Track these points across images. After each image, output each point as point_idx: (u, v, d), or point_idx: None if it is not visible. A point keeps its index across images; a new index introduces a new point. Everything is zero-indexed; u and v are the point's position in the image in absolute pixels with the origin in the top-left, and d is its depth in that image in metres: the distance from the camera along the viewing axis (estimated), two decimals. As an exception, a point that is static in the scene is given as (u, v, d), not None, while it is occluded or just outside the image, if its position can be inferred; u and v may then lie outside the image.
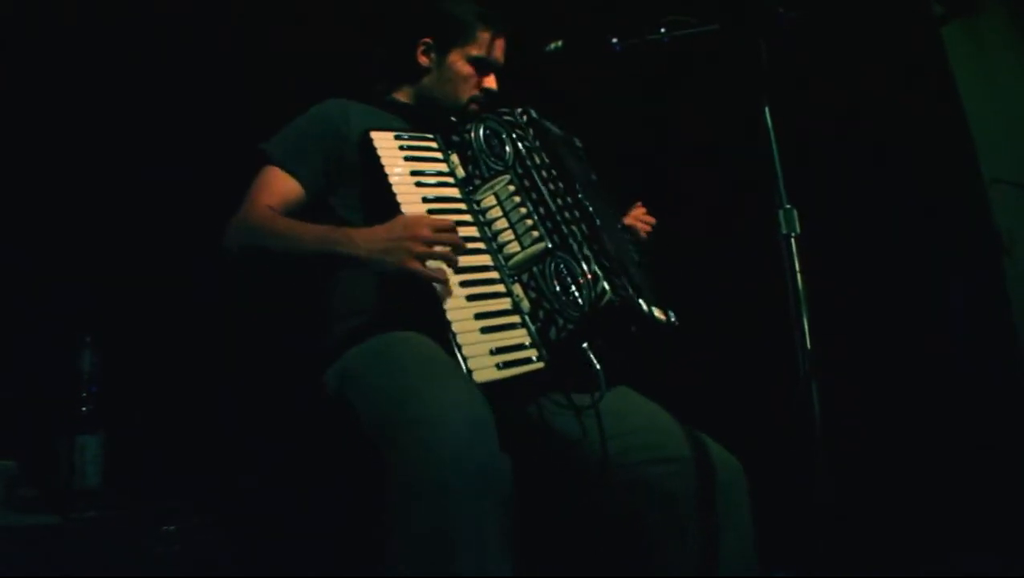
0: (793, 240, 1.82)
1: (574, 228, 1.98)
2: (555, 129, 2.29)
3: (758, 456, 2.10)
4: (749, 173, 2.09)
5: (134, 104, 2.84)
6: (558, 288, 1.93)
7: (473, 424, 1.62)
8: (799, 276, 1.81)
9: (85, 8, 2.82)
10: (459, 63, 2.26)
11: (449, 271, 1.90)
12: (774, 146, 1.85)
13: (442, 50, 2.27)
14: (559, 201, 2.02)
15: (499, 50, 2.31)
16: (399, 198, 1.99)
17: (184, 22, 2.91)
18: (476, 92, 2.28)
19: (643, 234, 2.43)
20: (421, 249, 1.86)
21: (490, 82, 2.29)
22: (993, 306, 3.61)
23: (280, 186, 2.09)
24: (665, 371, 2.22)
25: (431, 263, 1.87)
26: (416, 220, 1.90)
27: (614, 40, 2.15)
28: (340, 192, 2.12)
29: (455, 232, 1.91)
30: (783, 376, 1.84)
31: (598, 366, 1.87)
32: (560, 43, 2.24)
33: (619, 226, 2.34)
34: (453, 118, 2.25)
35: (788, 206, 1.83)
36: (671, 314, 2.09)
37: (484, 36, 2.27)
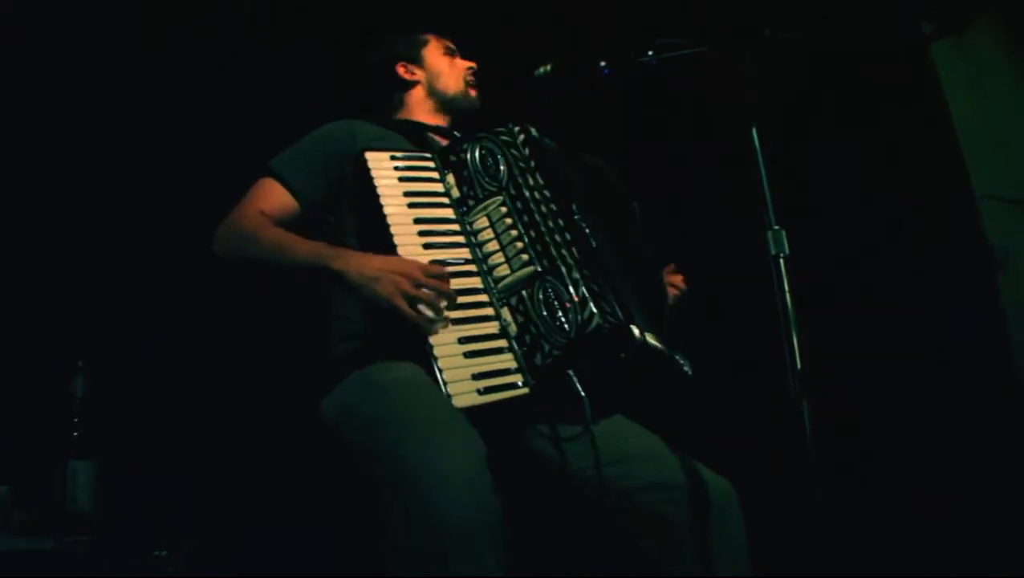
0: (782, 260, 1.83)
1: (564, 252, 1.98)
2: (563, 150, 2.28)
3: (751, 474, 2.11)
4: (738, 193, 2.11)
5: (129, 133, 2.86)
6: (546, 313, 1.93)
7: (469, 478, 1.66)
8: (788, 296, 1.82)
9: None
10: (436, 58, 2.48)
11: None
12: (762, 167, 1.87)
13: (417, 59, 2.48)
14: (551, 223, 2.02)
15: (447, 41, 2.54)
16: (389, 219, 2.00)
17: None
18: (464, 73, 2.49)
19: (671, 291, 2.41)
20: (409, 289, 1.86)
21: (468, 62, 2.51)
22: (988, 321, 3.62)
23: (274, 196, 2.12)
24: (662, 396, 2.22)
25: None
26: (411, 262, 1.92)
27: (603, 64, 2.18)
28: (339, 211, 2.14)
29: (447, 283, 1.91)
30: (775, 395, 1.86)
31: (583, 393, 1.88)
32: (549, 67, 2.26)
33: (637, 247, 2.30)
34: (456, 133, 2.34)
35: (776, 227, 1.84)
36: (679, 357, 2.10)
37: (432, 37, 2.53)
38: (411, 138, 2.28)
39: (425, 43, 2.50)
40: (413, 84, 2.45)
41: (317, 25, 3.18)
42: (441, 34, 2.54)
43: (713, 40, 2.03)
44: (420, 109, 2.44)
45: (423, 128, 2.37)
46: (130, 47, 2.92)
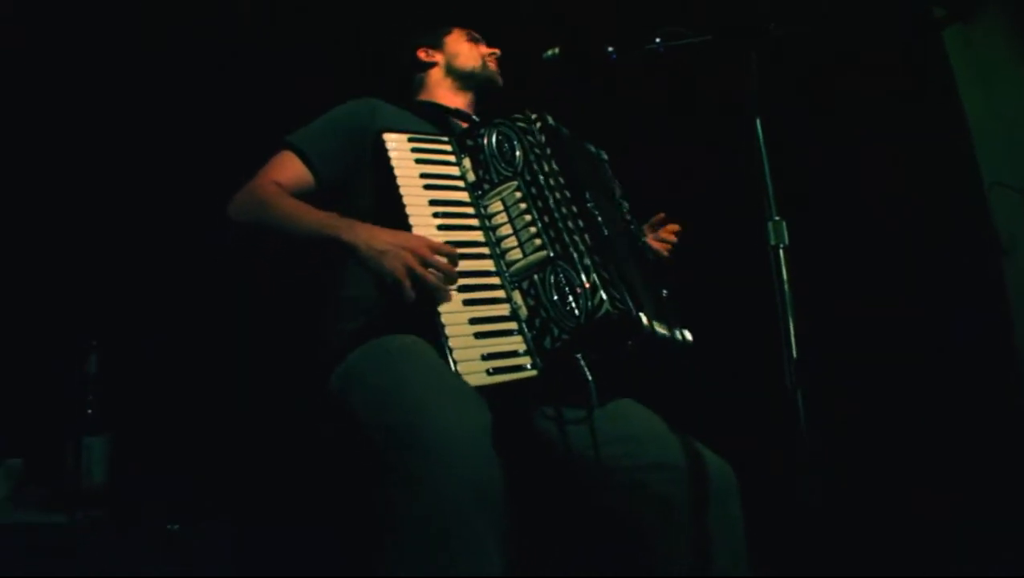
0: (782, 251, 1.84)
1: (576, 238, 2.00)
2: (576, 139, 2.32)
3: (748, 461, 2.13)
4: (741, 183, 2.12)
5: (136, 113, 2.87)
6: (556, 297, 1.95)
7: (471, 440, 1.67)
8: (787, 286, 1.83)
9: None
10: (456, 43, 2.53)
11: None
12: (764, 158, 1.88)
13: (438, 44, 2.53)
14: (564, 210, 2.03)
15: (474, 33, 2.56)
16: (405, 200, 2.02)
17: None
18: (485, 54, 2.52)
19: (666, 249, 2.45)
20: (415, 265, 1.87)
21: (491, 48, 2.54)
22: (993, 309, 3.64)
23: (291, 169, 2.13)
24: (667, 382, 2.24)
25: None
26: (420, 238, 1.93)
27: (610, 49, 2.20)
28: (355, 189, 2.14)
29: (454, 263, 1.93)
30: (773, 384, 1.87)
31: (590, 377, 1.90)
32: (557, 50, 2.29)
33: (636, 240, 2.35)
34: (475, 118, 2.40)
35: (777, 218, 1.85)
36: (681, 332, 2.12)
37: (457, 28, 2.57)
38: (430, 120, 2.31)
39: (448, 32, 2.55)
40: (432, 65, 2.50)
41: (323, 21, 3.19)
42: (466, 26, 2.58)
43: (718, 30, 2.05)
44: (440, 88, 2.48)
45: (442, 110, 2.40)
46: (142, 41, 2.94)
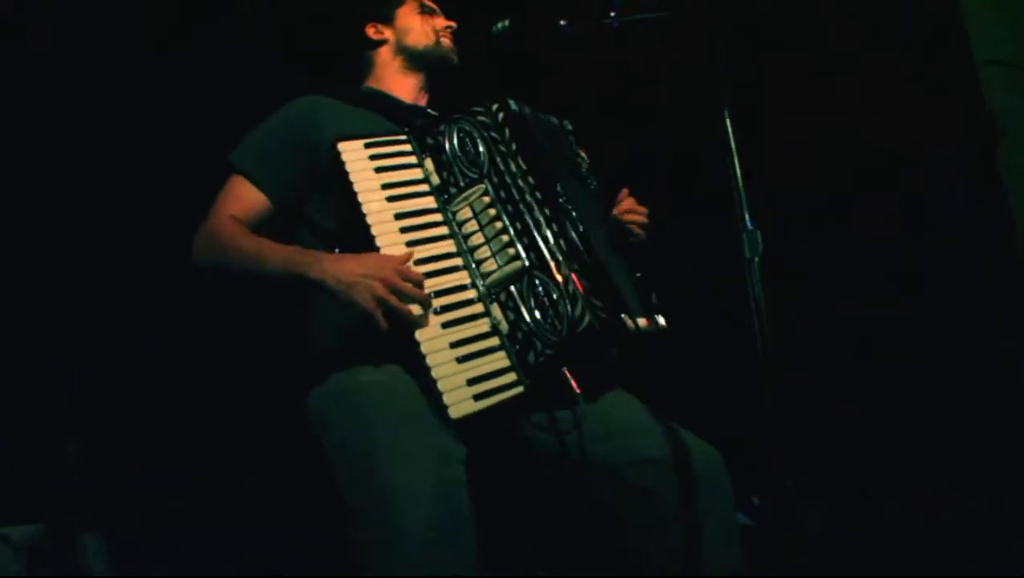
0: (756, 262, 1.76)
1: (552, 245, 1.92)
2: (538, 115, 2.18)
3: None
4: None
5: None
6: (536, 310, 1.89)
7: (433, 501, 1.72)
8: (762, 299, 1.75)
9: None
10: (408, 17, 2.34)
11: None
12: (736, 165, 1.77)
13: (387, 19, 2.34)
14: (536, 215, 1.95)
15: (429, 1, 2.39)
16: (369, 219, 1.93)
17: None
18: (438, 28, 2.34)
19: (636, 228, 2.28)
20: (385, 295, 1.81)
21: (446, 21, 2.37)
22: (988, 193, 3.57)
23: (246, 198, 2.05)
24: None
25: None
26: (387, 262, 1.85)
27: (563, 22, 2.08)
28: (315, 198, 2.06)
29: (422, 286, 1.86)
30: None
31: (577, 391, 1.88)
32: (507, 22, 2.18)
33: (606, 222, 2.24)
34: (430, 111, 2.27)
35: (751, 228, 1.76)
36: (659, 319, 2.07)
37: None
38: (381, 112, 2.18)
39: (400, 3, 2.36)
40: (381, 43, 2.33)
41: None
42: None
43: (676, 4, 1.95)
44: (388, 70, 2.32)
45: (393, 103, 2.26)
46: (136, 46, 2.87)
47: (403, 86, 2.31)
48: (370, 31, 2.33)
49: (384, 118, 2.16)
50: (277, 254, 1.92)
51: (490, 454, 1.93)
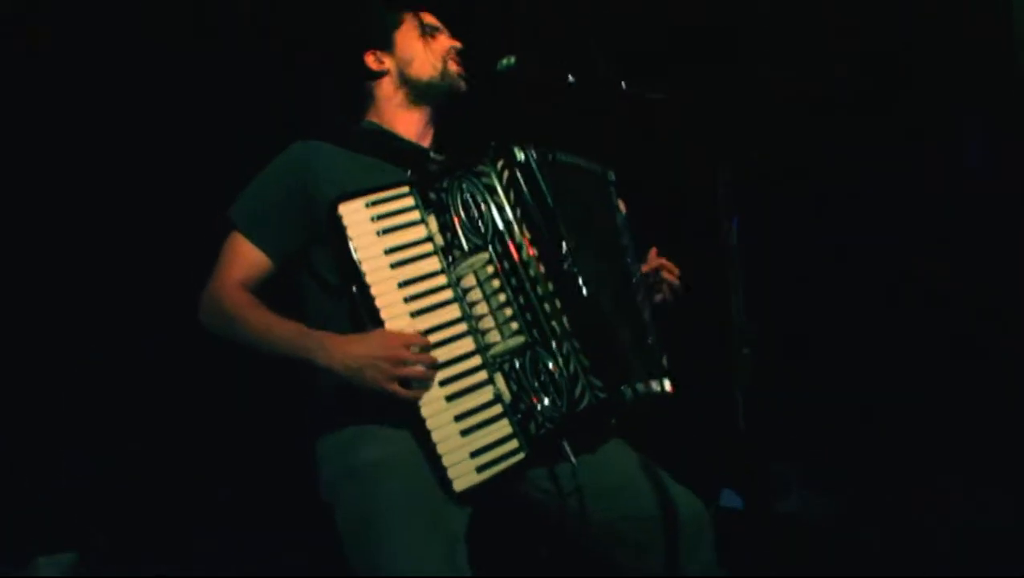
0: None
1: (554, 323, 1.95)
2: (558, 159, 2.12)
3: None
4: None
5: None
6: (537, 385, 1.94)
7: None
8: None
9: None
10: (408, 42, 2.23)
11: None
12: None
13: (387, 46, 2.23)
14: (539, 290, 1.96)
15: (430, 18, 2.28)
16: (373, 290, 1.93)
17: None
18: (444, 52, 2.24)
19: (664, 288, 2.28)
20: (398, 371, 1.85)
21: (451, 41, 2.27)
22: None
23: (247, 258, 2.05)
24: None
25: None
26: (393, 339, 1.88)
27: (571, 78, 2.08)
28: (318, 251, 2.05)
29: (430, 355, 1.90)
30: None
31: (573, 460, 1.97)
32: (512, 60, 2.11)
33: (628, 279, 2.20)
34: (433, 155, 2.20)
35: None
36: (665, 384, 2.11)
37: (408, 15, 2.26)
38: (383, 156, 2.12)
39: (397, 24, 2.24)
40: (383, 74, 2.22)
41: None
42: (420, 8, 2.27)
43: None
44: (391, 104, 2.22)
45: (396, 145, 2.19)
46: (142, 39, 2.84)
47: (407, 121, 2.22)
48: (370, 60, 2.22)
49: (386, 161, 2.11)
50: (283, 336, 1.94)
51: (492, 509, 2.04)
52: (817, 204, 3.66)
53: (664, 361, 2.17)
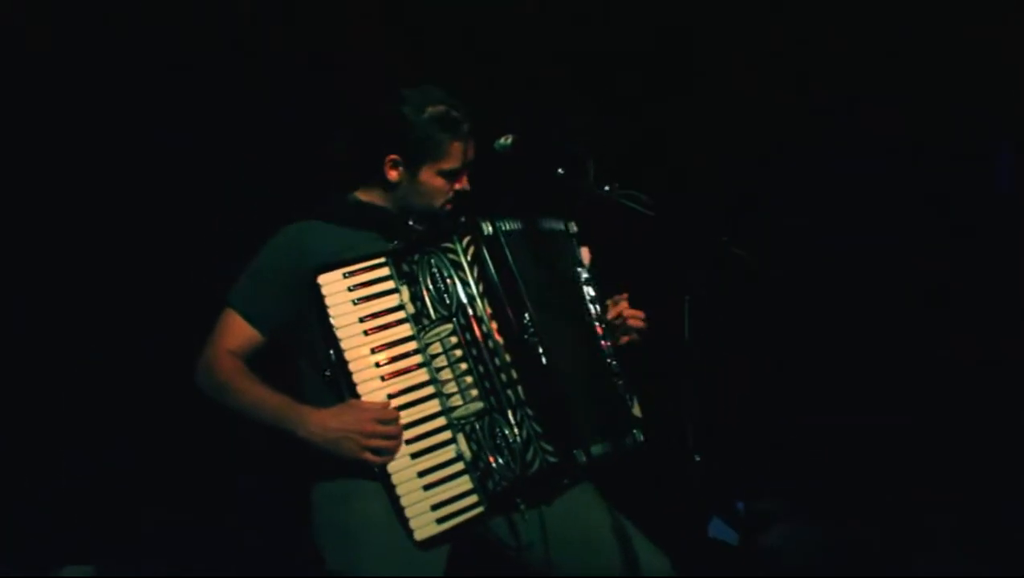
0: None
1: (510, 392, 2.14)
2: (530, 223, 2.27)
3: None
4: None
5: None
6: (494, 447, 2.13)
7: None
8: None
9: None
10: (431, 179, 2.27)
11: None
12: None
13: (411, 166, 2.26)
14: (496, 361, 2.14)
15: (470, 152, 2.30)
16: (347, 356, 2.11)
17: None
18: (451, 196, 2.31)
19: (628, 334, 2.39)
20: (369, 443, 2.05)
21: (462, 184, 2.31)
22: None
23: (240, 333, 2.23)
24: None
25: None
26: (367, 412, 2.07)
27: (560, 171, 2.23)
28: (307, 330, 2.19)
29: (398, 425, 2.08)
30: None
31: (525, 518, 2.16)
32: (510, 140, 2.23)
33: (592, 336, 2.32)
34: (412, 224, 2.29)
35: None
36: (631, 437, 2.27)
37: (454, 147, 2.25)
38: (367, 226, 2.28)
39: (438, 156, 2.23)
40: (393, 185, 2.28)
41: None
42: (471, 124, 2.26)
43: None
44: (376, 197, 2.33)
45: (379, 213, 2.33)
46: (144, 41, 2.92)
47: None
48: (388, 166, 2.26)
49: (372, 231, 2.27)
50: (270, 406, 2.14)
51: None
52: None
53: (633, 410, 2.31)
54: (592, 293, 2.36)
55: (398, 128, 2.23)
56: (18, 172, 2.98)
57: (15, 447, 3.09)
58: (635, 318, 2.41)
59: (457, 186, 2.29)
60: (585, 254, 2.41)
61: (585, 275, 2.37)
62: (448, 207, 2.31)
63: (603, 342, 2.34)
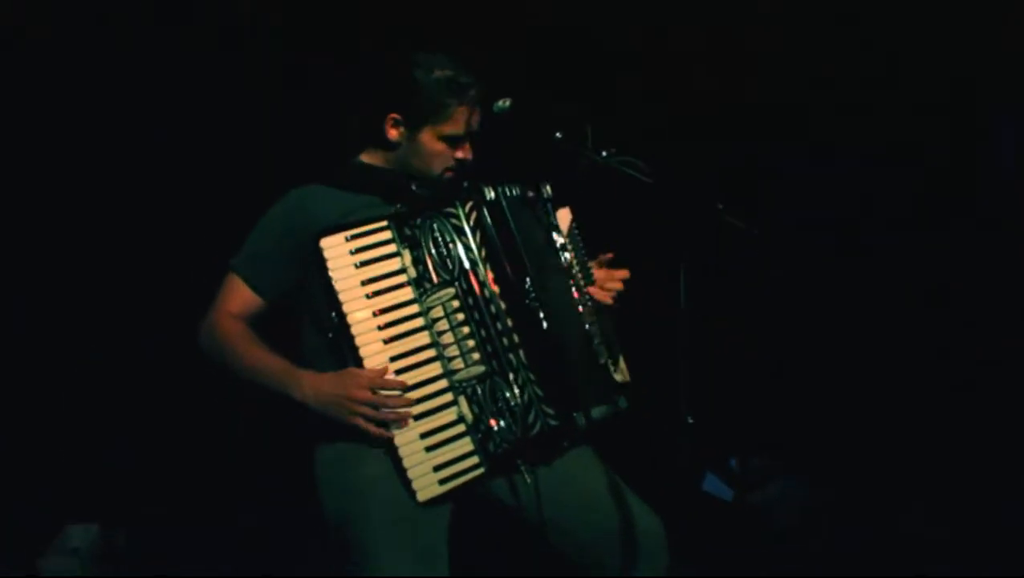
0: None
1: (511, 356, 2.17)
2: (517, 191, 2.27)
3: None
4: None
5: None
6: (495, 409, 2.16)
7: None
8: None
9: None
10: (431, 141, 2.26)
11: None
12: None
13: (412, 127, 2.26)
14: (499, 325, 2.17)
15: (474, 120, 2.28)
16: (349, 318, 2.12)
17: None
18: (451, 163, 2.29)
19: (608, 299, 2.36)
20: (363, 409, 2.08)
21: (465, 152, 2.30)
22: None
23: (242, 296, 2.26)
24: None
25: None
26: (359, 378, 2.08)
27: (558, 135, 2.16)
28: (308, 290, 2.23)
29: (400, 391, 2.10)
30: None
31: (528, 479, 2.19)
32: (508, 103, 2.24)
33: (581, 301, 2.33)
34: (414, 188, 2.28)
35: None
36: (619, 402, 2.30)
37: (459, 112, 2.24)
38: (370, 189, 2.29)
39: (440, 118, 2.22)
40: (387, 142, 2.28)
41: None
42: (479, 92, 2.24)
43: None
44: (385, 160, 2.33)
45: (381, 175, 2.33)
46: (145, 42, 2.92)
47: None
48: (389, 126, 2.25)
49: (375, 195, 2.28)
50: (267, 369, 2.17)
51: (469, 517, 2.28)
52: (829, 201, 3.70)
53: (618, 375, 2.34)
54: (568, 256, 2.34)
55: (402, 85, 2.22)
56: (18, 172, 2.96)
57: (15, 447, 3.10)
58: (613, 280, 2.38)
59: (459, 155, 2.28)
60: (565, 216, 2.39)
61: (560, 240, 2.34)
62: (449, 174, 2.30)
63: (588, 310, 2.35)
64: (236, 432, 3.16)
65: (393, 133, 2.27)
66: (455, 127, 2.24)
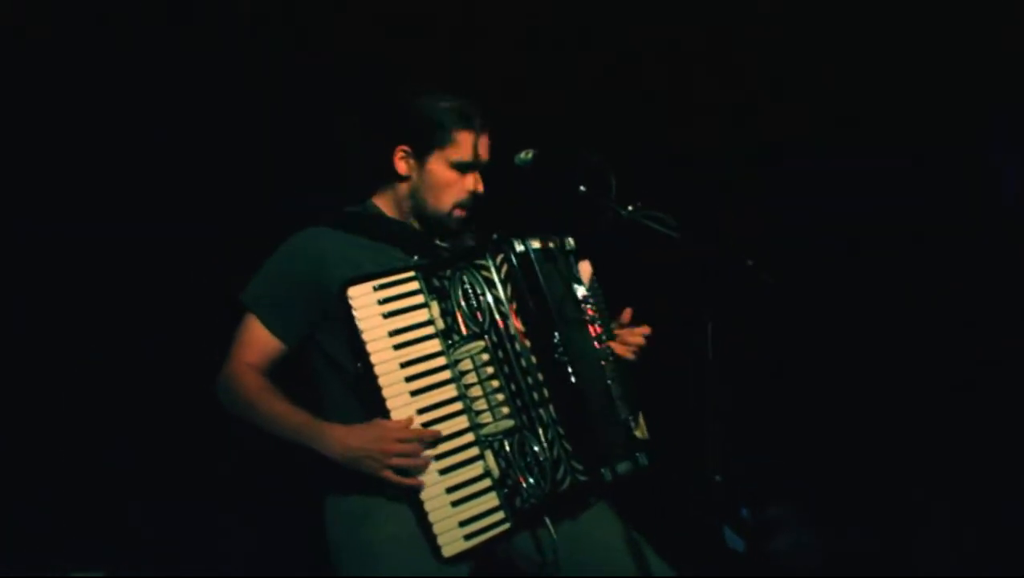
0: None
1: (542, 411, 2.15)
2: (545, 244, 2.25)
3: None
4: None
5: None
6: (524, 465, 2.13)
7: None
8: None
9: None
10: (440, 170, 2.25)
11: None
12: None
13: (420, 156, 2.25)
14: (529, 380, 2.14)
15: (483, 148, 2.27)
16: (376, 370, 2.09)
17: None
18: (462, 197, 2.27)
19: (630, 355, 2.33)
20: (390, 461, 2.04)
21: (476, 184, 2.28)
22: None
23: (260, 341, 2.22)
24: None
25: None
26: (389, 431, 2.05)
27: (582, 188, 2.15)
28: (327, 330, 2.21)
29: (422, 445, 2.07)
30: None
31: (554, 536, 2.15)
32: (531, 155, 2.23)
33: (604, 357, 2.30)
34: (438, 241, 2.30)
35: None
36: (639, 459, 2.26)
37: (464, 137, 2.24)
38: (386, 239, 2.27)
39: (446, 142, 2.21)
40: (403, 179, 2.28)
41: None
42: (485, 123, 2.25)
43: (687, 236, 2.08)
44: (397, 203, 2.31)
45: (399, 228, 2.31)
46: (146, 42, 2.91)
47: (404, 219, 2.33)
48: (398, 159, 2.25)
49: (393, 246, 2.26)
50: (292, 423, 2.13)
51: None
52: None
53: (638, 431, 2.32)
54: (591, 311, 2.32)
55: (408, 116, 2.23)
56: (18, 172, 2.92)
57: (15, 447, 3.04)
58: (634, 335, 2.37)
59: (469, 186, 2.26)
60: (586, 268, 2.38)
61: (583, 292, 2.32)
62: (461, 213, 2.28)
63: (610, 365, 2.32)
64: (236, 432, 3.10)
65: (402, 167, 2.25)
66: (463, 154, 2.23)
